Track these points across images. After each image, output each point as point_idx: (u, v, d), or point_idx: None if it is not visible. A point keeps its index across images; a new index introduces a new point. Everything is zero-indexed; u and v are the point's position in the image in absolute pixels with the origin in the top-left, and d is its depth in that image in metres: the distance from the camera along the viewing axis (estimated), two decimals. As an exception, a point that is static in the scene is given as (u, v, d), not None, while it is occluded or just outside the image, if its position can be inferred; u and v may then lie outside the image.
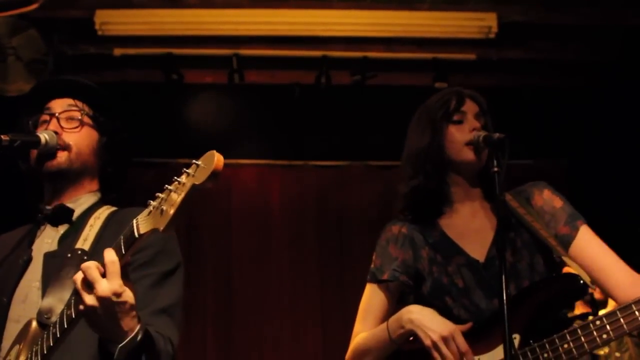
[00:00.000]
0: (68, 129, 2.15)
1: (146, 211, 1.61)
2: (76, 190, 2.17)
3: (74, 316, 1.71)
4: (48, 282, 1.97)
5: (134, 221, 1.63)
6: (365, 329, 2.34)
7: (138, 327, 1.71)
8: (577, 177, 5.51)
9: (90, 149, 2.18)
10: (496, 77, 5.59)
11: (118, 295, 1.64)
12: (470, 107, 2.33)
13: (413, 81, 5.61)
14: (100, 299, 1.63)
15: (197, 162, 1.51)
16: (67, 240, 2.07)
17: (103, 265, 1.65)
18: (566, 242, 2.20)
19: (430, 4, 4.95)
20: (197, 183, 1.49)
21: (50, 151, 2.10)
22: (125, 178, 2.29)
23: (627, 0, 4.64)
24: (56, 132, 2.12)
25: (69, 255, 1.99)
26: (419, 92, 5.25)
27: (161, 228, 1.55)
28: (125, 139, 2.27)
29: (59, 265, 1.98)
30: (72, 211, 2.13)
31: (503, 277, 1.94)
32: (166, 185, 1.56)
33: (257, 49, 5.42)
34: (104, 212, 2.14)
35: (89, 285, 1.65)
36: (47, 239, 2.11)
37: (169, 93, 5.54)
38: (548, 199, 2.28)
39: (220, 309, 5.79)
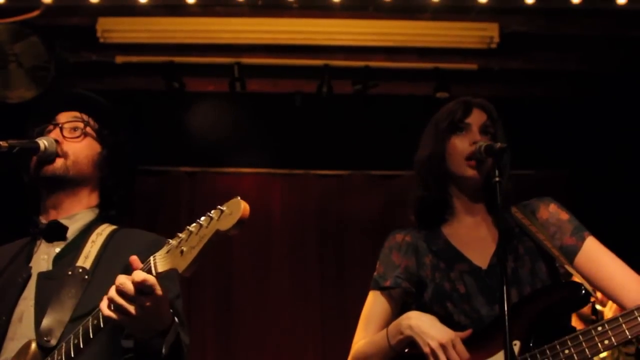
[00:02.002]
0: (69, 138, 2.16)
1: (165, 249, 1.60)
2: (73, 203, 2.15)
3: (102, 325, 1.70)
4: (43, 302, 1.96)
5: (152, 258, 1.62)
6: (366, 336, 2.33)
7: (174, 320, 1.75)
8: (578, 188, 5.49)
9: (89, 160, 2.18)
10: (497, 87, 5.58)
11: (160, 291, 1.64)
12: (476, 118, 2.32)
13: (414, 91, 5.61)
14: (149, 295, 1.62)
15: (221, 208, 1.50)
16: (63, 260, 2.06)
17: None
18: (571, 252, 2.19)
19: (432, 14, 4.95)
20: (221, 229, 1.48)
21: (49, 157, 2.10)
22: (127, 195, 2.26)
23: (628, 11, 4.64)
24: (57, 141, 2.13)
25: (70, 273, 1.98)
26: (420, 102, 5.34)
27: (181, 270, 1.55)
28: (128, 154, 2.26)
29: (56, 285, 1.97)
30: (65, 228, 2.11)
31: (504, 285, 1.93)
32: (187, 227, 1.55)
33: (258, 58, 5.42)
34: (106, 229, 2.13)
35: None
36: (43, 254, 2.09)
37: (170, 101, 5.54)
38: (554, 212, 2.29)
39: (220, 319, 5.76)
